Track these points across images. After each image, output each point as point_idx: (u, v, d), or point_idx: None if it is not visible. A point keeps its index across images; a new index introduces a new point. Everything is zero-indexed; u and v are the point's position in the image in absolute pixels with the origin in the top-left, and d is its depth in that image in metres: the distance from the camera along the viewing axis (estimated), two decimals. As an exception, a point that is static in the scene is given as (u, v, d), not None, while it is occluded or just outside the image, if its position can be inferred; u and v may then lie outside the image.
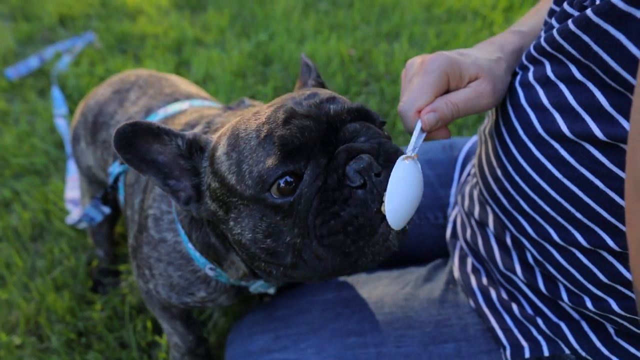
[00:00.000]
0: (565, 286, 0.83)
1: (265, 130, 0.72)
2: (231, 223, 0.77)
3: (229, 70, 2.36)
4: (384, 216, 0.68)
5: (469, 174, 1.23)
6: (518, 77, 0.86)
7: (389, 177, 0.69)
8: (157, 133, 0.77)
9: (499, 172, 0.89)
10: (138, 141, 0.76)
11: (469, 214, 1.07)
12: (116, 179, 1.18)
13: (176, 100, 1.22)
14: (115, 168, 1.16)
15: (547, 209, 0.80)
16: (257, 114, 0.78)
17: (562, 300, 0.84)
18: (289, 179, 0.70)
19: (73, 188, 1.75)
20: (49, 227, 1.69)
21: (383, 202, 0.68)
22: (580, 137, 0.72)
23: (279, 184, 0.70)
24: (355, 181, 0.68)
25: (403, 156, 0.70)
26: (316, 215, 0.69)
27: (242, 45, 2.60)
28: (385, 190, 0.68)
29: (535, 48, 0.82)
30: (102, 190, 1.24)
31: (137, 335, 1.37)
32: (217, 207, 0.79)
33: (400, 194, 0.67)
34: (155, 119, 1.15)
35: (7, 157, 1.98)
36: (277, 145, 0.70)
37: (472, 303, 1.01)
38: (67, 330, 1.38)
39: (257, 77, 2.37)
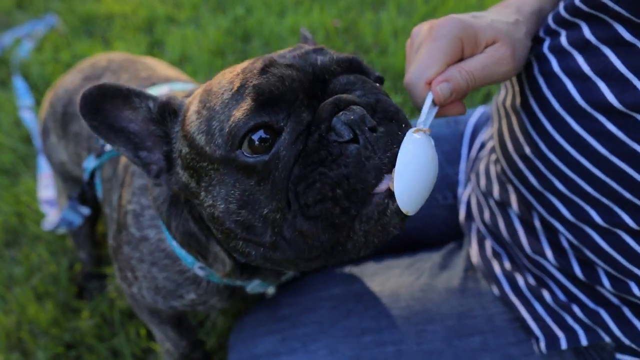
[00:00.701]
0: (606, 271, 0.76)
1: (239, 81, 0.62)
2: (202, 194, 0.67)
3: (206, 49, 2.20)
4: (380, 181, 0.57)
5: (480, 149, 1.14)
6: (546, 43, 0.76)
7: (389, 137, 0.58)
8: (127, 95, 0.68)
9: (527, 150, 0.80)
10: (106, 106, 0.67)
11: (487, 193, 0.99)
12: (92, 175, 1.06)
13: (153, 84, 1.10)
14: (90, 162, 1.03)
15: (589, 189, 0.71)
16: (234, 67, 0.67)
17: (602, 286, 0.77)
18: (263, 134, 0.59)
19: (47, 187, 1.61)
20: (23, 231, 1.56)
21: (383, 165, 0.57)
22: (631, 107, 0.63)
23: (252, 140, 0.59)
24: (344, 135, 0.57)
25: (413, 129, 0.60)
26: (297, 182, 0.58)
27: (218, 21, 2.43)
28: (384, 150, 0.58)
29: (566, 9, 0.72)
30: (79, 189, 1.12)
31: (130, 344, 1.26)
32: (189, 177, 0.69)
33: (413, 171, 0.56)
34: None
35: (-29, 157, 1.81)
36: (250, 95, 0.60)
37: (495, 291, 0.94)
38: (53, 344, 1.27)
39: (237, 54, 2.22)
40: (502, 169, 0.89)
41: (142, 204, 0.87)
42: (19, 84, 2.09)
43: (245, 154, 0.60)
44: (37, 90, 2.10)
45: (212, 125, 0.63)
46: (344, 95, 0.61)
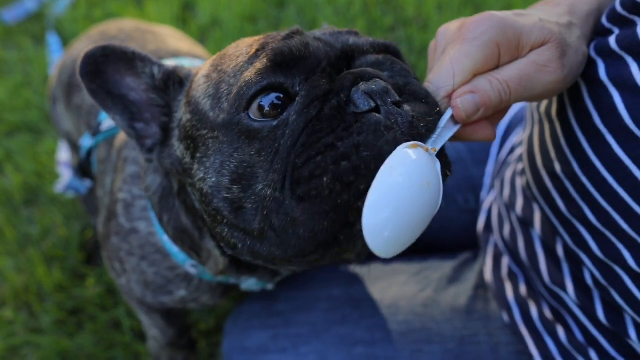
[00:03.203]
0: (634, 321, 0.65)
1: (258, 45, 0.56)
2: (195, 167, 0.60)
3: (238, 14, 2.11)
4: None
5: (511, 151, 1.01)
6: (593, 44, 0.62)
7: (416, 115, 0.50)
8: (131, 58, 0.63)
9: (557, 167, 0.68)
10: (108, 69, 0.63)
11: (509, 206, 0.87)
12: (90, 153, 1.02)
13: (160, 59, 1.03)
14: (86, 141, 0.99)
15: (624, 225, 0.59)
16: (257, 36, 0.61)
17: (628, 336, 0.66)
18: (275, 100, 0.53)
19: (67, 149, 1.61)
20: (41, 192, 1.57)
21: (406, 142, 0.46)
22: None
23: (262, 106, 0.53)
24: (363, 105, 0.49)
25: (408, 143, 0.47)
26: (301, 151, 0.50)
27: (254, -16, 2.31)
28: (409, 127, 0.48)
29: (623, 4, 0.58)
30: (77, 164, 1.09)
31: (130, 318, 1.26)
32: (184, 150, 0.63)
33: (395, 202, 0.43)
34: None
35: (0, 112, 1.84)
36: (267, 55, 0.53)
37: (505, 317, 0.84)
38: (56, 309, 1.29)
39: (270, 21, 2.12)
40: (528, 184, 0.77)
41: (133, 193, 0.82)
42: (52, 40, 2.09)
43: (252, 116, 0.53)
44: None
45: (221, 88, 0.57)
46: (369, 69, 0.53)
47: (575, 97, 0.64)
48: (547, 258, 0.77)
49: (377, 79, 0.51)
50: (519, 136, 0.98)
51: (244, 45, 0.59)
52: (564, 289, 0.74)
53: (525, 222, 0.82)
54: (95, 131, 0.95)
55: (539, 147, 0.74)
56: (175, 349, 1.08)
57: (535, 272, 0.79)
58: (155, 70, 0.65)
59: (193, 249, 0.75)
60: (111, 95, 0.64)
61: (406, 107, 0.50)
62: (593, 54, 0.61)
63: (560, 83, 0.55)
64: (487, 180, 1.06)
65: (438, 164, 0.48)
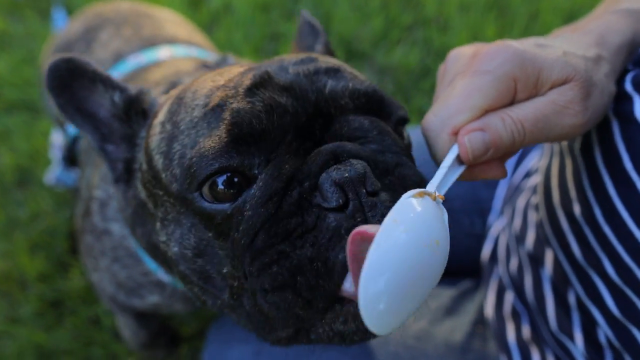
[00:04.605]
0: (650, 391, 0.57)
1: (217, 98, 0.49)
2: (158, 225, 0.55)
3: (250, 1, 2.03)
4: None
5: (525, 176, 0.93)
6: (630, 77, 0.54)
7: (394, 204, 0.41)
8: (92, 79, 0.57)
9: (576, 209, 0.61)
10: (74, 84, 0.56)
11: (519, 238, 0.80)
12: (75, 140, 0.96)
13: (155, 45, 0.97)
14: (71, 128, 0.94)
15: (649, 288, 0.52)
16: (220, 73, 0.53)
17: (642, 405, 0.59)
18: (234, 179, 0.47)
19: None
20: (34, 174, 1.53)
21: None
22: None
23: (215, 183, 0.47)
24: (331, 199, 0.43)
25: (414, 191, 0.41)
26: (254, 257, 0.46)
27: (270, -30, 2.23)
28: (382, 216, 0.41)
29: None
30: (64, 154, 1.03)
31: (111, 317, 1.21)
32: (147, 197, 0.57)
33: (394, 264, 0.35)
34: (124, 69, 0.91)
35: (0, 87, 1.79)
36: (225, 123, 0.47)
37: (504, 360, 0.77)
38: (37, 300, 1.24)
39: (283, 11, 2.04)
40: (542, 223, 0.70)
41: (108, 192, 0.77)
42: (57, 15, 2.03)
43: (205, 197, 0.47)
44: (75, 24, 2.04)
45: (173, 148, 0.51)
46: (349, 145, 0.46)
47: (604, 135, 0.56)
48: (557, 303, 0.70)
49: (354, 161, 0.44)
50: (536, 160, 0.90)
51: (202, 94, 0.52)
52: (572, 339, 0.67)
53: (536, 260, 0.74)
54: None
55: (558, 182, 0.66)
56: (152, 349, 1.03)
57: (542, 316, 0.72)
58: (116, 97, 0.58)
59: (167, 264, 0.70)
60: (80, 111, 0.58)
61: (383, 196, 0.44)
62: (629, 89, 0.53)
63: (581, 127, 0.48)
64: (496, 204, 0.98)
65: (445, 214, 0.41)
